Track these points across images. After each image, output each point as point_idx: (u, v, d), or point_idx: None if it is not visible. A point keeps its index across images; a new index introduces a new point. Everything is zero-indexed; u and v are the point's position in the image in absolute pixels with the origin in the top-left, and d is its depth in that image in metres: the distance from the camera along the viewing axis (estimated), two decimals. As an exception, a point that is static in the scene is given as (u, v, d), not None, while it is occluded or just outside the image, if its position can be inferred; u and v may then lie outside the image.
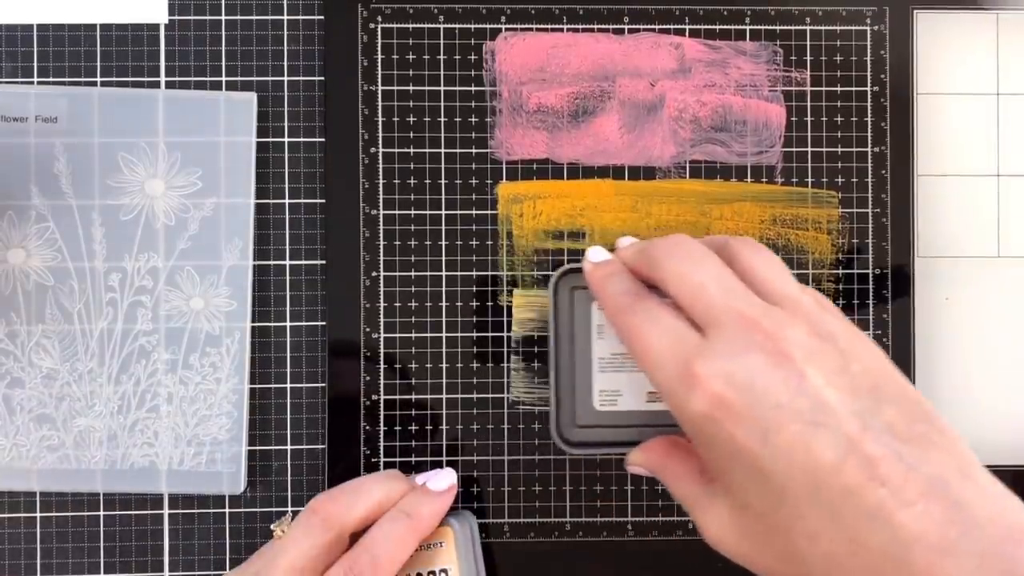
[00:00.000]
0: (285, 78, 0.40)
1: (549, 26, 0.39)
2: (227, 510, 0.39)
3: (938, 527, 0.24)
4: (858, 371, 0.27)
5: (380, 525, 0.33)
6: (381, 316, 0.39)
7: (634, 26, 0.40)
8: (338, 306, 0.39)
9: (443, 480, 0.36)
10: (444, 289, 0.39)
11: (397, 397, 0.39)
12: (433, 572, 0.35)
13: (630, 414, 0.36)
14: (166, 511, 0.39)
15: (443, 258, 0.39)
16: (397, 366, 0.39)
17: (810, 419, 0.26)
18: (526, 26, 0.39)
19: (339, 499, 0.34)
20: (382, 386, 0.39)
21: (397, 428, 0.39)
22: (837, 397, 0.26)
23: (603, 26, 0.39)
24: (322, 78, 0.40)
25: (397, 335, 0.39)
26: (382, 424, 0.39)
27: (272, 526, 0.34)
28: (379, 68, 0.39)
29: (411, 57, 0.39)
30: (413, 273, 0.39)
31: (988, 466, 0.26)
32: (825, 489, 0.25)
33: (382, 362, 0.39)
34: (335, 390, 0.39)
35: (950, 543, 0.24)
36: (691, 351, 0.28)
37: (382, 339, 0.39)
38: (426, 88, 0.39)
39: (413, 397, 0.39)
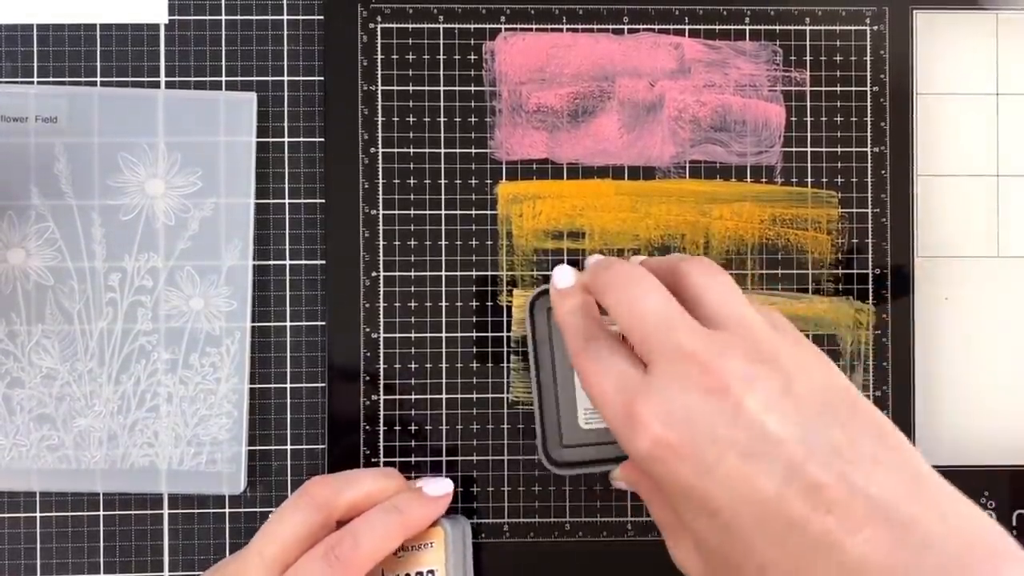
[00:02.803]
0: (285, 78, 0.40)
1: (549, 26, 0.39)
2: (227, 510, 0.39)
3: (886, 553, 0.23)
4: (803, 391, 0.26)
5: (369, 514, 0.34)
6: (381, 316, 0.39)
7: (634, 26, 0.40)
8: (338, 306, 0.39)
9: (439, 486, 0.36)
10: (444, 289, 0.39)
11: (397, 397, 0.39)
12: (421, 573, 0.35)
13: None
14: (166, 511, 0.39)
15: (443, 258, 0.39)
16: (397, 366, 0.39)
17: (748, 450, 0.25)
18: (526, 26, 0.39)
19: (331, 483, 0.34)
20: (382, 386, 0.39)
21: (397, 428, 0.39)
22: (778, 422, 0.25)
23: (603, 26, 0.39)
24: (322, 78, 0.40)
25: (397, 335, 0.39)
26: (382, 424, 0.39)
27: (271, 514, 0.34)
28: (379, 68, 0.39)
29: (411, 57, 0.39)
30: (413, 273, 0.39)
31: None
32: (771, 520, 0.25)
33: (382, 362, 0.39)
34: (335, 390, 0.39)
35: (901, 568, 0.23)
36: (631, 391, 0.27)
37: (382, 339, 0.39)
38: (426, 88, 0.39)
39: (413, 397, 0.39)
